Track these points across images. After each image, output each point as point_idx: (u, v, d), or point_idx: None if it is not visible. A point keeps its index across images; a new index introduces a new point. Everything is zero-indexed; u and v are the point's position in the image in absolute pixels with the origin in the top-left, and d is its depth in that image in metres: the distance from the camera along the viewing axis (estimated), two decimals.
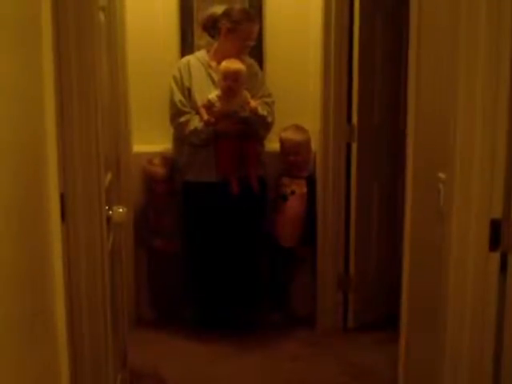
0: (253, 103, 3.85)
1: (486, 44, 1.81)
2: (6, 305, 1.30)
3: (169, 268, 4.20)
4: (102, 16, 2.58)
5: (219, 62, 3.85)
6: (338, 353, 3.84)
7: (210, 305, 4.10)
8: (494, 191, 1.88)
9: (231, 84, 3.78)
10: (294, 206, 4.11)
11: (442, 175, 2.04)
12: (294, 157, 4.07)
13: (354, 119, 3.94)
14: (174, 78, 3.90)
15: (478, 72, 1.83)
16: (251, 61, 4.03)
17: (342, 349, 3.89)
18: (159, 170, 4.09)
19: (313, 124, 4.05)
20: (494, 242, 1.90)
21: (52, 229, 1.73)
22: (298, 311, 4.27)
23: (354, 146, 3.97)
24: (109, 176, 2.66)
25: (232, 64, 3.80)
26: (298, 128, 4.11)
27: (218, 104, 3.80)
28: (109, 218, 2.49)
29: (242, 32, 3.82)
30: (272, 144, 4.12)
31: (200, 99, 3.85)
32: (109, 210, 2.49)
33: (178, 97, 3.86)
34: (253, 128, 3.89)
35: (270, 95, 3.99)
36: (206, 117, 3.79)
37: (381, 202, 4.16)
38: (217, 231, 3.96)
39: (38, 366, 1.58)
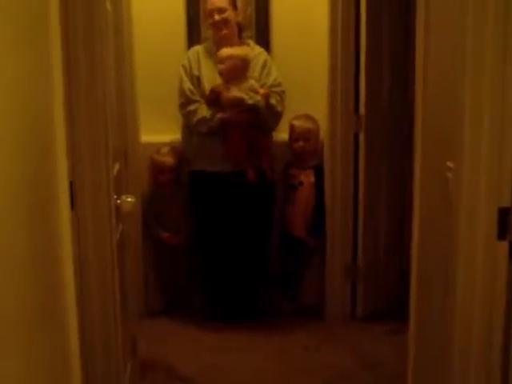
0: (263, 91, 3.86)
1: (494, 31, 1.80)
2: (16, 292, 1.31)
3: (177, 258, 4.20)
4: (108, 6, 2.58)
5: None
6: (347, 342, 3.84)
7: (219, 295, 4.11)
8: (502, 179, 1.87)
9: (225, 67, 3.81)
10: (302, 196, 4.11)
11: (450, 164, 2.03)
12: (304, 143, 4.07)
13: (362, 109, 3.93)
14: (183, 66, 3.92)
15: (485, 60, 1.82)
16: (260, 49, 4.04)
17: (351, 338, 3.90)
18: (167, 159, 4.10)
19: (320, 114, 4.04)
20: (503, 230, 1.89)
21: (62, 216, 1.74)
22: (307, 301, 4.28)
23: (362, 136, 3.96)
24: (117, 166, 2.67)
25: (228, 49, 3.84)
26: (309, 117, 4.13)
27: (221, 89, 3.81)
28: (118, 208, 2.50)
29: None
30: (280, 134, 4.11)
31: (209, 88, 3.86)
32: (117, 199, 2.50)
33: (187, 85, 3.87)
34: (261, 117, 3.88)
35: (279, 84, 3.97)
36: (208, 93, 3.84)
37: (389, 192, 4.16)
38: (224, 221, 3.97)
39: (49, 354, 1.59)
